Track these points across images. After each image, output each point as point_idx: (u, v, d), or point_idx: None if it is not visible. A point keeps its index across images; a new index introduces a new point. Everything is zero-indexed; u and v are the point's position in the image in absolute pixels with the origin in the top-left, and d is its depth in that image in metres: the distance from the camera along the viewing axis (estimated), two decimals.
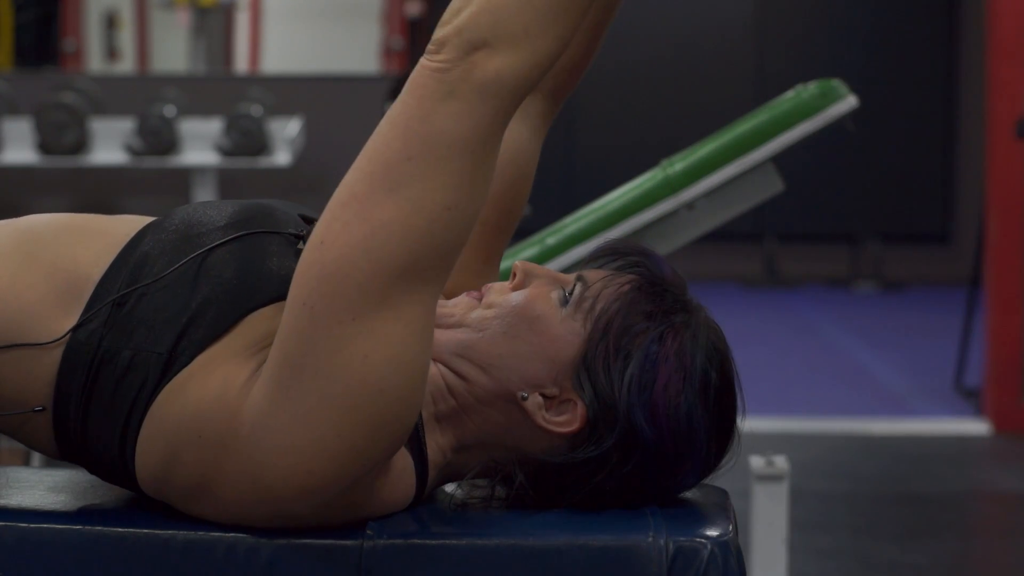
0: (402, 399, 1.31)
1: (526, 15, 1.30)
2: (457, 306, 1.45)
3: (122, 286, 1.41)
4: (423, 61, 1.31)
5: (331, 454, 1.31)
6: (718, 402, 1.42)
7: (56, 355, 1.39)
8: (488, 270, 1.63)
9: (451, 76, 1.29)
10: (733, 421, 1.44)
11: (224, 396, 1.35)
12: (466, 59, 1.29)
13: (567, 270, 2.22)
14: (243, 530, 1.36)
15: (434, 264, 1.31)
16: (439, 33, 1.31)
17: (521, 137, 1.64)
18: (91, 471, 1.45)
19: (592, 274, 1.44)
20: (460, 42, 1.29)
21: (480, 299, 1.45)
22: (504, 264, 2.17)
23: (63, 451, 1.43)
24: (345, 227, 1.30)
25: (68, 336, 1.39)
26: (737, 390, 1.44)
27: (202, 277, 1.40)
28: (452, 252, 1.32)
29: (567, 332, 1.41)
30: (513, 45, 1.29)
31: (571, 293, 1.43)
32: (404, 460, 1.39)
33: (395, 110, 1.31)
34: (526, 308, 1.42)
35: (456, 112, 1.29)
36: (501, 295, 1.44)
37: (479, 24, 1.29)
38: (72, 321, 1.40)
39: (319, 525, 1.36)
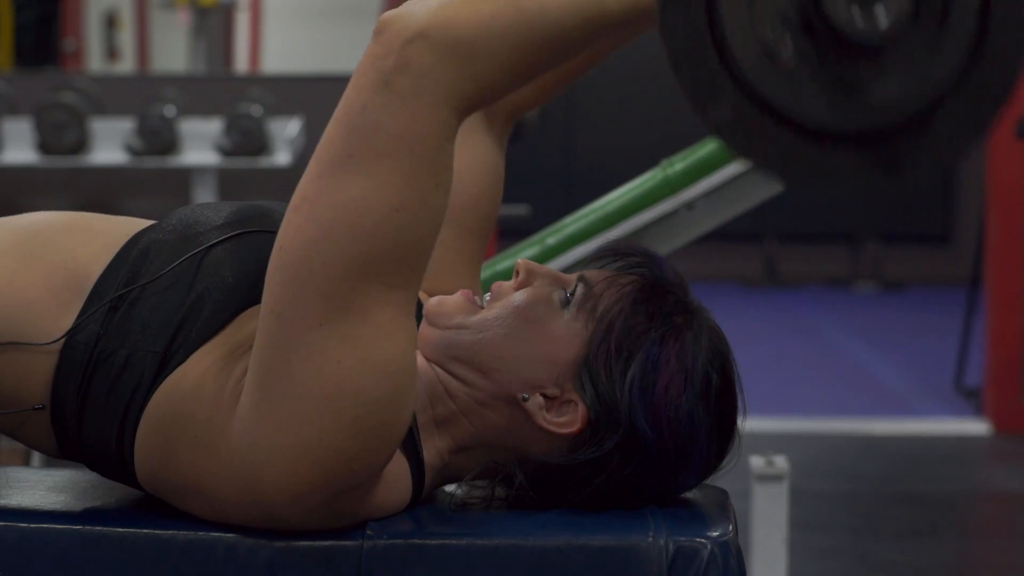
0: (382, 401, 1.30)
1: (480, 31, 1.27)
2: (457, 307, 1.44)
3: (120, 285, 1.41)
4: (368, 45, 1.29)
5: (316, 459, 1.30)
6: (719, 404, 1.42)
7: (53, 355, 1.40)
8: (472, 271, 1.63)
9: (386, 64, 1.27)
10: (734, 422, 1.44)
11: (218, 398, 1.35)
12: (403, 49, 1.26)
13: (567, 270, 2.22)
14: (243, 530, 1.36)
15: (393, 268, 1.29)
16: (387, 13, 1.29)
17: (486, 146, 1.64)
18: (91, 468, 1.45)
19: (594, 275, 1.44)
20: (401, 28, 1.27)
21: (473, 299, 1.45)
22: (505, 264, 2.17)
23: (63, 449, 1.43)
24: (298, 230, 1.30)
25: (65, 337, 1.39)
26: (738, 392, 1.44)
27: (199, 276, 1.40)
28: (412, 255, 1.30)
29: (569, 333, 1.41)
30: (454, 52, 1.27)
31: (572, 294, 1.43)
32: (400, 465, 1.39)
33: (340, 104, 1.30)
34: (527, 309, 1.42)
35: (389, 104, 1.27)
36: (506, 295, 1.44)
37: (428, 14, 1.27)
38: (70, 319, 1.40)
39: (313, 530, 1.36)
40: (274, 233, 1.43)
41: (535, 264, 1.46)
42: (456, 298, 1.45)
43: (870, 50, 1.09)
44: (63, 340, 1.39)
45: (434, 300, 1.45)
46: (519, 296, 1.43)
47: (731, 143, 1.12)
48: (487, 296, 1.46)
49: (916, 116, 1.11)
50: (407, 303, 1.32)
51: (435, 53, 1.26)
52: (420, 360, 1.43)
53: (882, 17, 1.05)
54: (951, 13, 1.10)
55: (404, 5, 1.29)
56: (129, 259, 1.43)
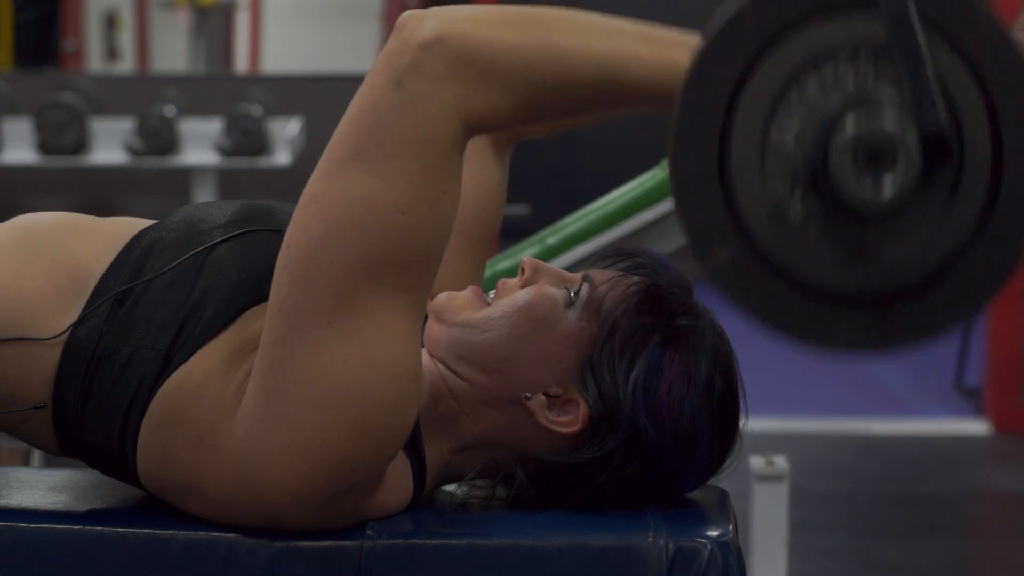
0: (387, 403, 1.30)
1: (501, 55, 1.26)
2: (463, 303, 1.44)
3: (123, 282, 1.41)
4: (388, 41, 1.28)
5: (318, 459, 1.30)
6: (721, 406, 1.41)
7: (56, 352, 1.39)
8: (475, 278, 1.64)
9: (401, 63, 1.26)
10: (736, 425, 1.44)
11: (221, 398, 1.35)
12: (419, 50, 1.25)
13: (568, 270, 2.22)
14: (243, 530, 1.36)
15: (400, 271, 1.29)
16: (411, 11, 1.28)
17: (489, 161, 1.65)
18: (92, 466, 1.45)
19: (599, 275, 1.44)
20: (421, 28, 1.26)
21: (482, 296, 1.45)
22: (505, 264, 2.17)
23: (63, 447, 1.43)
24: (306, 229, 1.29)
25: (68, 333, 1.39)
26: (740, 395, 1.44)
27: (203, 274, 1.40)
28: (419, 261, 1.29)
29: (572, 332, 1.41)
30: (470, 67, 1.26)
31: (577, 293, 1.42)
32: (401, 464, 1.39)
33: (354, 99, 1.30)
34: (532, 308, 1.42)
35: (399, 105, 1.26)
36: (511, 293, 1.44)
37: (453, 22, 1.26)
38: (73, 318, 1.40)
39: (312, 531, 1.36)
40: (278, 232, 1.43)
41: (540, 262, 1.46)
42: (465, 294, 1.45)
43: (878, 216, 1.08)
44: (66, 336, 1.39)
45: (443, 295, 1.45)
46: (524, 294, 1.43)
47: (726, 291, 1.11)
48: (491, 294, 1.46)
49: (923, 280, 1.11)
50: (415, 307, 1.31)
51: (450, 62, 1.26)
52: (425, 358, 1.43)
53: (890, 188, 1.04)
54: (961, 182, 1.09)
55: (433, 8, 1.29)
56: (132, 257, 1.43)
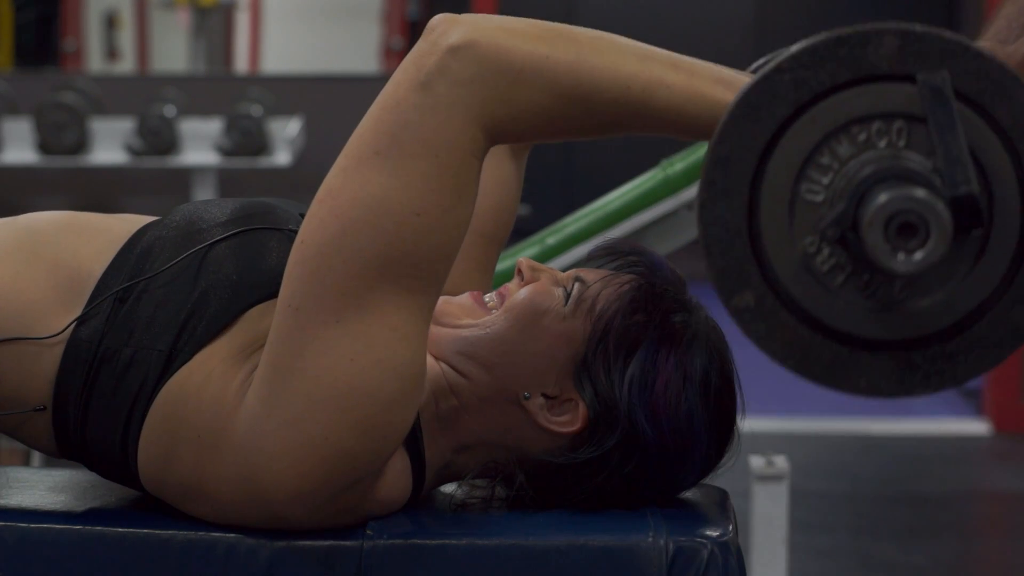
0: (392, 403, 1.31)
1: (529, 64, 1.26)
2: (463, 309, 1.44)
3: (124, 282, 1.41)
4: (418, 41, 1.29)
5: (320, 457, 1.31)
6: (718, 402, 1.42)
7: (57, 353, 1.39)
8: (484, 278, 1.63)
9: (428, 63, 1.27)
10: (733, 421, 1.44)
11: (222, 398, 1.35)
12: (448, 52, 1.26)
13: (566, 270, 2.22)
14: (243, 530, 1.36)
15: (412, 272, 1.29)
16: (443, 14, 1.29)
17: (507, 159, 1.64)
18: (91, 468, 1.45)
19: (590, 274, 1.44)
20: (452, 31, 1.27)
21: (482, 300, 1.45)
22: (505, 264, 2.17)
23: (63, 449, 1.43)
24: (320, 224, 1.30)
25: (69, 333, 1.39)
26: (737, 390, 1.44)
27: (202, 273, 1.40)
28: (432, 263, 1.30)
29: (568, 331, 1.41)
30: (498, 73, 1.26)
31: (570, 292, 1.43)
32: (402, 461, 1.39)
33: (378, 97, 1.30)
34: (532, 304, 1.42)
35: (422, 106, 1.26)
36: (512, 295, 1.44)
37: (485, 28, 1.27)
38: (73, 317, 1.40)
39: (313, 529, 1.36)
40: (277, 230, 1.44)
41: (535, 262, 1.46)
42: (463, 299, 1.45)
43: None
44: (67, 336, 1.39)
45: (441, 300, 1.45)
46: (525, 291, 1.43)
47: (749, 331, 1.13)
48: (488, 297, 1.46)
49: (945, 329, 1.13)
50: (424, 309, 1.32)
51: (478, 68, 1.26)
52: (427, 357, 1.43)
53: (921, 259, 1.06)
54: (989, 245, 1.12)
55: (466, 14, 1.29)
56: (132, 257, 1.43)
